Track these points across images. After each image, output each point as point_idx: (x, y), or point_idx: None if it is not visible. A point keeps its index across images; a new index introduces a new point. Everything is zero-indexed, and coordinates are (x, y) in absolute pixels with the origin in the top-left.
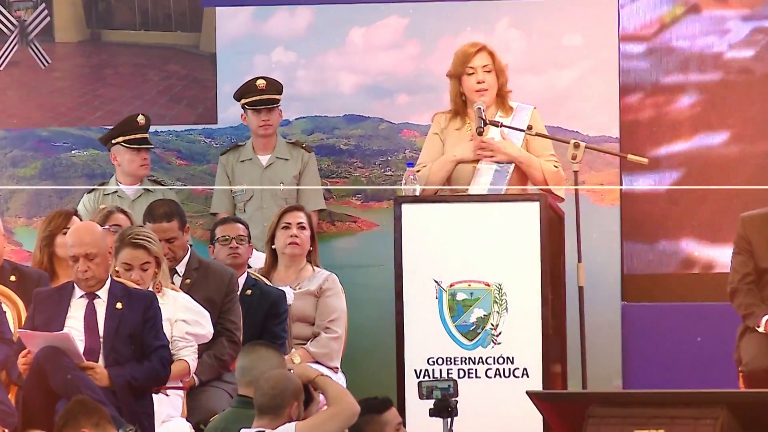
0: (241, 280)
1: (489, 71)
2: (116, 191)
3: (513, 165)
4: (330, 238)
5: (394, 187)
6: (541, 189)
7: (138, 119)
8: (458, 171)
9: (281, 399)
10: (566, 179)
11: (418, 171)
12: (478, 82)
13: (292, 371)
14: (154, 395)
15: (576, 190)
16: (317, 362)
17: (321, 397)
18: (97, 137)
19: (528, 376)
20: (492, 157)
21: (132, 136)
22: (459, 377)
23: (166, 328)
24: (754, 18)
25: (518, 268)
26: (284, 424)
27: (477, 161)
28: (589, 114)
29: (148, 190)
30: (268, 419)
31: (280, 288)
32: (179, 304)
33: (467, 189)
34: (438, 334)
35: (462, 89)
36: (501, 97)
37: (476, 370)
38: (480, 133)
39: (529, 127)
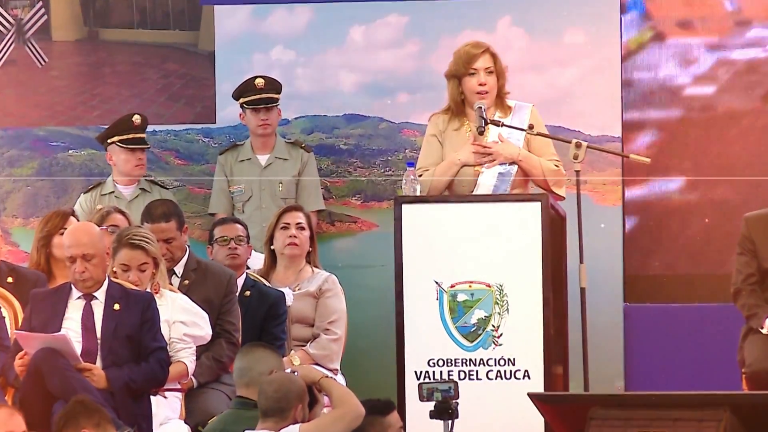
0: (240, 281)
1: (491, 73)
2: (113, 191)
3: (516, 166)
4: (330, 239)
5: (393, 177)
6: (541, 187)
7: (133, 119)
8: (461, 173)
9: (285, 402)
10: (566, 179)
11: (420, 176)
12: (480, 84)
13: (296, 373)
14: (152, 397)
15: (578, 191)
16: (317, 364)
17: (325, 398)
18: (95, 136)
19: (529, 378)
20: (493, 161)
21: (127, 136)
22: (460, 379)
23: (164, 330)
24: (720, 48)
25: (519, 268)
26: (288, 426)
27: (479, 165)
28: (591, 113)
29: (145, 190)
30: (272, 422)
31: (279, 289)
32: (177, 305)
33: (472, 194)
34: (438, 335)
35: (462, 89)
36: (500, 98)
37: (477, 371)
38: (481, 133)
39: (531, 127)
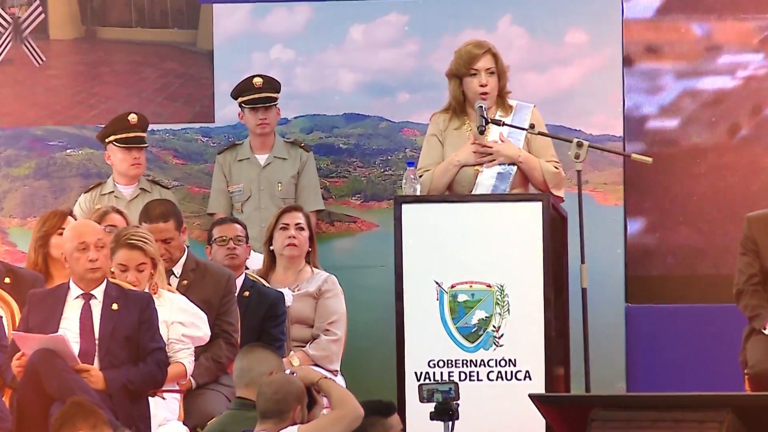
0: (239, 282)
1: (492, 73)
2: (113, 191)
3: (516, 166)
4: (329, 239)
5: (393, 177)
6: (540, 189)
7: (129, 118)
8: (460, 173)
9: (284, 403)
10: (567, 179)
11: (420, 176)
12: (481, 85)
13: (295, 374)
14: (150, 398)
15: (579, 190)
16: (316, 365)
17: (325, 399)
18: (94, 135)
19: (530, 379)
20: (493, 161)
21: (123, 135)
22: (460, 380)
23: (162, 330)
24: (689, 75)
25: (520, 268)
26: (287, 427)
27: (479, 164)
28: (592, 113)
29: (145, 190)
30: (271, 423)
31: (278, 289)
32: (175, 305)
33: (471, 190)
34: (439, 336)
35: (463, 89)
36: (501, 98)
37: (478, 372)
38: (482, 132)
39: (532, 126)
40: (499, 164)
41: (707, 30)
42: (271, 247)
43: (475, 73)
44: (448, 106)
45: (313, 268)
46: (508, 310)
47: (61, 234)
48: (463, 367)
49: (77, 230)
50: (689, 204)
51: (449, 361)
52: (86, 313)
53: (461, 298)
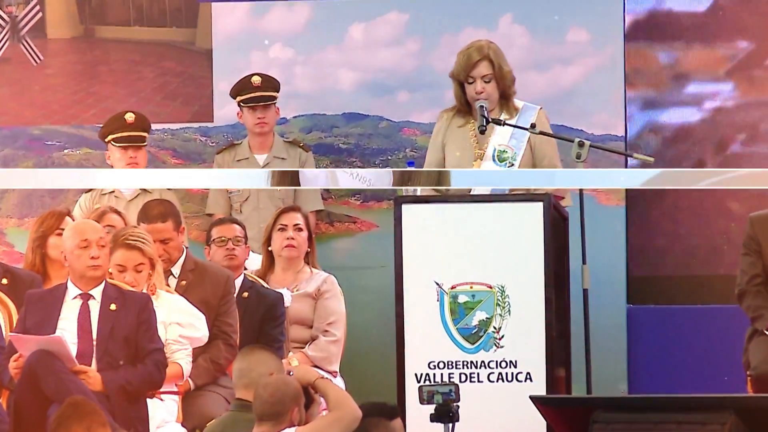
0: (238, 282)
1: (489, 81)
2: (113, 191)
3: (517, 163)
4: (329, 239)
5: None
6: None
7: (126, 117)
8: (459, 167)
9: (281, 406)
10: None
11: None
12: (477, 93)
13: (291, 373)
14: (148, 400)
15: (581, 190)
16: (315, 366)
17: (322, 399)
18: (92, 135)
19: (531, 381)
20: None
21: (119, 134)
22: (461, 381)
23: (160, 331)
24: (654, 105)
25: (521, 269)
26: (285, 429)
27: (479, 161)
28: (594, 112)
29: (145, 190)
30: (268, 426)
31: (277, 290)
32: (173, 306)
33: (470, 190)
34: (439, 337)
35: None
36: (505, 99)
37: (478, 374)
38: (483, 132)
39: (533, 126)
40: (500, 162)
41: (674, 58)
42: (270, 248)
43: (472, 82)
44: (455, 105)
45: (312, 269)
46: (509, 311)
47: (59, 234)
48: (463, 368)
49: (79, 228)
50: (649, 249)
51: (449, 363)
52: (84, 314)
53: (462, 299)
